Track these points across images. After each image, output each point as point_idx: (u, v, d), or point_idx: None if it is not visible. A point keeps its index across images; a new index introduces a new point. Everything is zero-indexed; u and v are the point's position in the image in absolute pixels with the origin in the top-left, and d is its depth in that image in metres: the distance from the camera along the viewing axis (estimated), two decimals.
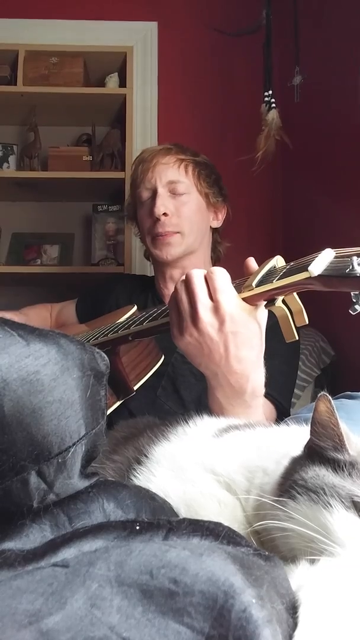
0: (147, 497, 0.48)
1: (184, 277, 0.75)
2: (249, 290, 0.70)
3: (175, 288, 0.76)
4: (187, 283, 0.73)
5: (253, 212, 2.28)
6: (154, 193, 1.31)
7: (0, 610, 0.31)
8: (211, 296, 0.71)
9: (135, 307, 1.11)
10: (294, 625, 0.34)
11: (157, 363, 1.01)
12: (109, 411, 0.90)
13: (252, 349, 0.73)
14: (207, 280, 0.73)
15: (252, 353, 0.73)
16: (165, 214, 1.29)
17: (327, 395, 0.48)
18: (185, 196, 1.31)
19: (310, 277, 0.62)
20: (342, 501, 0.44)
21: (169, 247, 1.31)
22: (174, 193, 1.31)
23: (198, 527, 0.39)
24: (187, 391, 1.23)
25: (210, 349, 0.72)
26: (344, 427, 0.48)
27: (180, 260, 1.34)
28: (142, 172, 1.33)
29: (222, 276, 0.72)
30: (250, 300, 0.72)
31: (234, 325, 0.70)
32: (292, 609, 0.35)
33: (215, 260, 1.46)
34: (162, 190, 1.30)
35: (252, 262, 0.79)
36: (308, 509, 0.44)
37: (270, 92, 1.69)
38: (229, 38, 2.09)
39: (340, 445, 0.47)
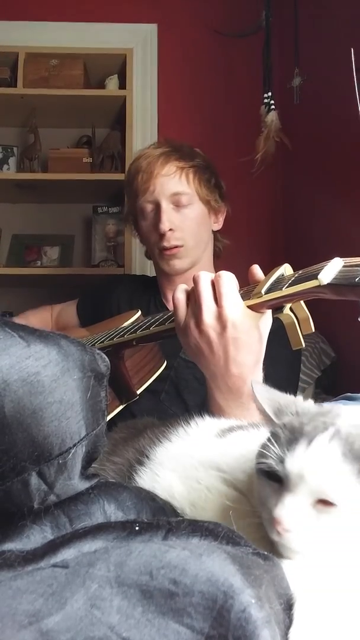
0: (148, 499, 0.48)
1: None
2: (258, 297, 0.71)
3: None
4: (195, 285, 0.74)
5: (253, 214, 2.28)
6: (157, 206, 1.28)
7: (0, 610, 0.31)
8: (217, 300, 0.72)
9: (139, 312, 1.10)
10: (290, 623, 0.35)
11: (160, 367, 1.01)
12: (112, 415, 0.91)
13: (251, 353, 0.73)
14: (214, 285, 0.73)
15: (250, 358, 0.73)
16: (171, 229, 1.27)
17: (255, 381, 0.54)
18: (188, 208, 1.29)
19: (319, 286, 0.63)
20: (258, 469, 0.47)
21: (176, 261, 1.31)
22: (177, 205, 1.28)
23: (197, 527, 0.39)
24: (190, 395, 1.23)
25: (211, 351, 0.73)
26: (282, 398, 0.51)
27: (186, 271, 1.34)
28: (142, 183, 1.29)
29: (228, 281, 0.72)
30: (259, 307, 0.72)
31: (235, 332, 0.71)
32: (289, 608, 0.36)
33: (215, 258, 1.44)
34: (165, 205, 1.27)
35: (257, 269, 0.79)
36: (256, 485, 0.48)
37: (270, 93, 1.69)
38: (229, 40, 2.09)
39: (268, 419, 0.50)
